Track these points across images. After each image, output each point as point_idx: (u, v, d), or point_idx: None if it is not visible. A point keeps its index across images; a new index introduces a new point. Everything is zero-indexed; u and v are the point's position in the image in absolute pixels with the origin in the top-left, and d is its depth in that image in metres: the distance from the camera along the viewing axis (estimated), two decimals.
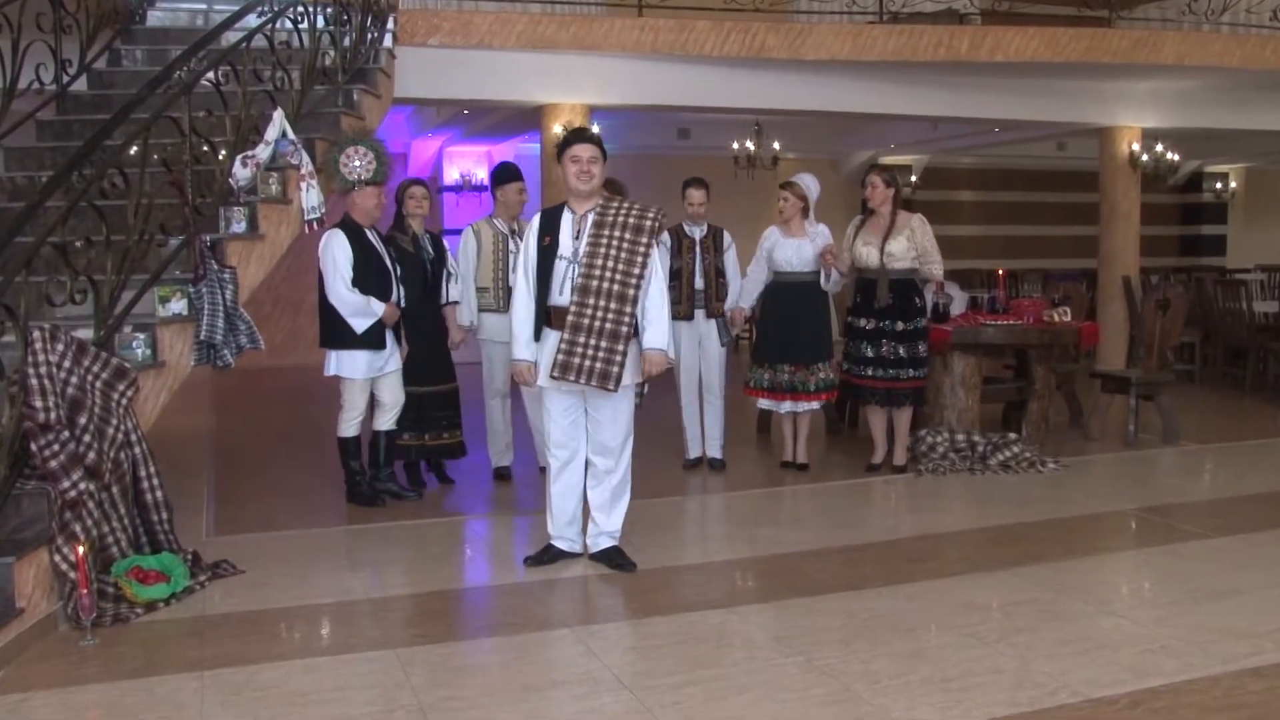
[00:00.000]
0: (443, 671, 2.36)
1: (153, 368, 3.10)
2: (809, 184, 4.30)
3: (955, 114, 7.02)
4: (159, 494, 2.97)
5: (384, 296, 3.71)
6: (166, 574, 2.82)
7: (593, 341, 2.89)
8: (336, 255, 3.62)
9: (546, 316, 3.00)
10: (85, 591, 2.50)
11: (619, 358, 2.89)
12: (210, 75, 3.46)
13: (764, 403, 4.41)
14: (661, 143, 8.78)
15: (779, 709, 2.15)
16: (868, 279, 4.22)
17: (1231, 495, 4.06)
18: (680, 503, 4.01)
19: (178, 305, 3.16)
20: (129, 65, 4.49)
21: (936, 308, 4.36)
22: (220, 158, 3.47)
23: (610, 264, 2.90)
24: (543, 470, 3.55)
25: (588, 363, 2.89)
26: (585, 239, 2.94)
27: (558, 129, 5.87)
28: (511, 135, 8.05)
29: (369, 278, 3.67)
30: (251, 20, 3.80)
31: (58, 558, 2.57)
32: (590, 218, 2.97)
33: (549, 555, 3.13)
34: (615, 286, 2.90)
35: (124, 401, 2.83)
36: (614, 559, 3.09)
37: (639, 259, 2.91)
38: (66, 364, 2.64)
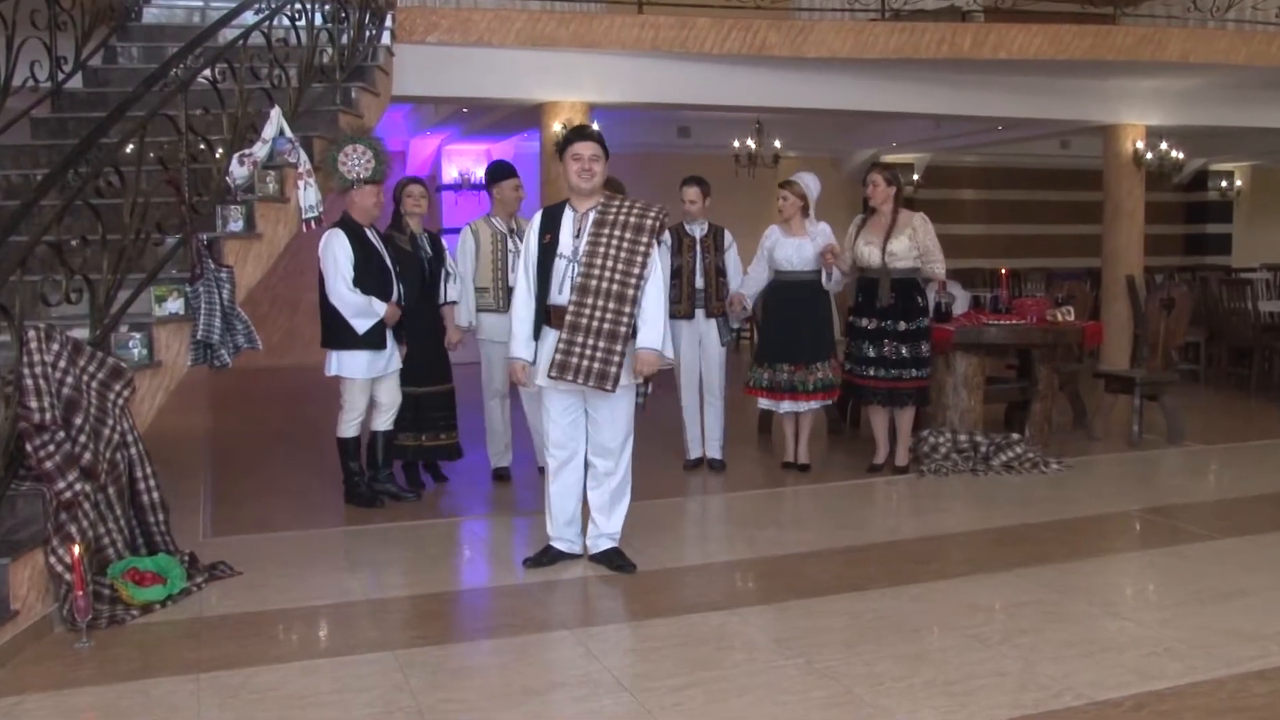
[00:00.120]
0: (442, 674, 2.35)
1: (149, 368, 3.09)
2: (808, 183, 4.27)
3: (958, 112, 6.99)
4: (155, 495, 2.96)
5: (385, 296, 3.70)
6: (163, 575, 2.80)
7: (591, 341, 2.87)
8: (337, 255, 3.61)
9: (546, 315, 2.98)
10: (81, 593, 2.49)
11: (617, 358, 2.88)
12: (207, 73, 3.45)
13: (763, 402, 4.39)
14: (662, 141, 8.76)
15: (780, 711, 2.14)
16: (869, 278, 4.20)
17: (1237, 496, 4.04)
18: (681, 504, 3.99)
19: (174, 305, 3.15)
20: (125, 62, 4.47)
21: (939, 307, 4.33)
22: (217, 156, 3.46)
23: (610, 263, 2.89)
24: (542, 471, 3.54)
25: (585, 363, 2.88)
26: (585, 238, 2.93)
27: (557, 127, 5.85)
28: (511, 133, 8.04)
29: (369, 277, 3.66)
30: (249, 17, 3.79)
31: (53, 559, 2.56)
32: (591, 216, 2.95)
33: (548, 556, 3.12)
34: (614, 286, 2.88)
35: (120, 402, 2.81)
36: (614, 560, 3.08)
37: (639, 259, 2.89)
38: (62, 364, 2.62)
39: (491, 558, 3.41)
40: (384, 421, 3.85)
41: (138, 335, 3.05)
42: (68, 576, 2.53)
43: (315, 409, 5.83)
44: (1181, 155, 8.40)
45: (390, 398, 3.81)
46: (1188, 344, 6.57)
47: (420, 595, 2.91)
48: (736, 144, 8.31)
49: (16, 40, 3.60)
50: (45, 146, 3.92)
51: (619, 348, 2.88)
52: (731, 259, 4.33)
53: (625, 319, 2.89)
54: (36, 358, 2.55)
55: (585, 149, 2.94)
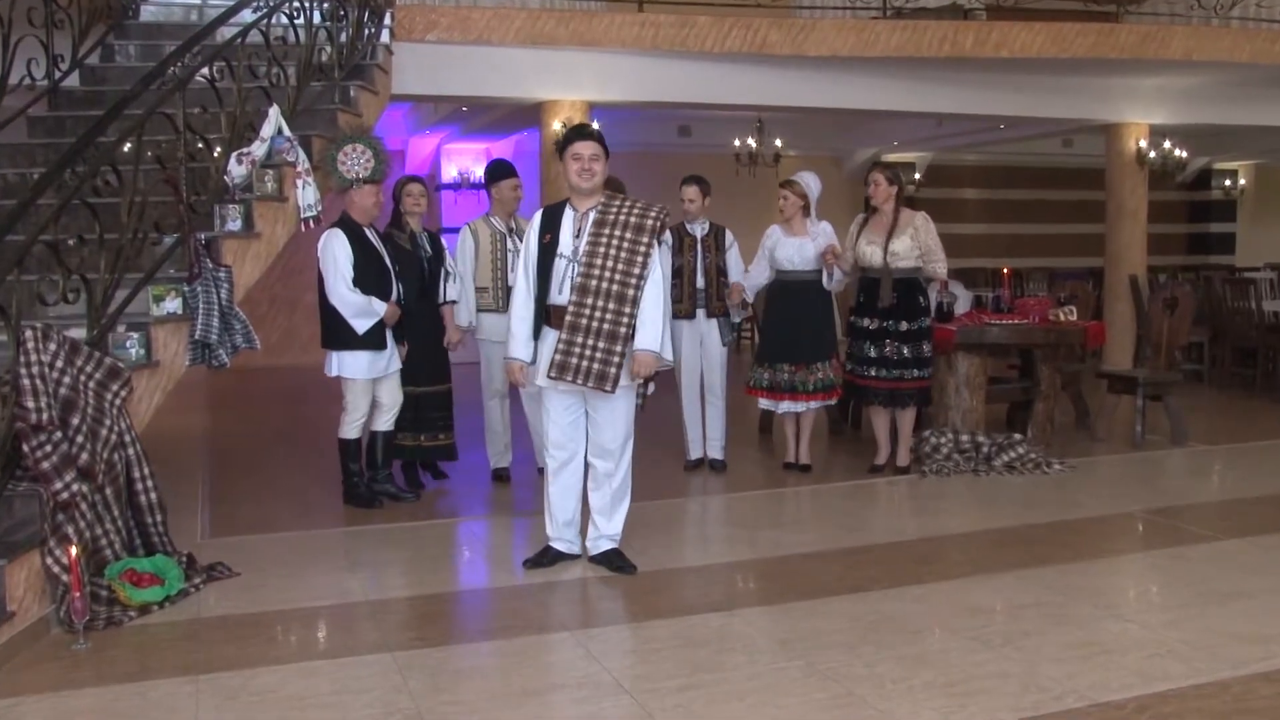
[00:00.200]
0: (441, 675, 2.34)
1: (147, 367, 3.07)
2: (809, 182, 4.25)
3: (960, 110, 6.97)
4: (153, 495, 2.95)
5: (384, 296, 3.68)
6: (161, 576, 2.79)
7: (590, 342, 2.86)
8: (337, 255, 3.59)
9: (546, 315, 2.97)
10: (78, 594, 2.48)
11: (617, 359, 2.86)
12: (205, 71, 3.43)
13: (763, 402, 4.38)
14: (662, 140, 8.75)
15: (781, 713, 2.13)
16: (871, 278, 4.18)
17: (1241, 497, 4.02)
18: (681, 504, 3.98)
19: (172, 304, 3.13)
20: (122, 61, 4.44)
21: (940, 307, 4.32)
22: (215, 155, 3.44)
23: (610, 264, 2.87)
24: (541, 471, 3.52)
25: (585, 363, 2.86)
26: (586, 238, 2.91)
27: (557, 126, 5.84)
28: (510, 132, 8.03)
29: (369, 277, 3.65)
30: (247, 15, 3.77)
31: (50, 560, 2.55)
32: (592, 216, 2.93)
33: (547, 557, 3.11)
34: (614, 287, 2.87)
35: (117, 402, 2.80)
36: (614, 561, 3.07)
37: (639, 259, 2.88)
38: (59, 364, 2.61)
39: (491, 559, 3.40)
40: (385, 422, 3.84)
41: (135, 335, 3.04)
42: (65, 578, 2.52)
43: (314, 409, 5.82)
44: (1185, 154, 8.37)
45: (392, 398, 3.80)
46: (1191, 344, 6.55)
47: (420, 596, 2.90)
48: (737, 143, 8.29)
49: (13, 38, 3.59)
50: (42, 145, 3.90)
51: (619, 348, 2.87)
52: (733, 258, 4.32)
53: (625, 319, 2.87)
54: (33, 358, 2.54)
55: (585, 148, 2.93)
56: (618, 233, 2.90)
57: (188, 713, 2.16)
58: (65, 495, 2.56)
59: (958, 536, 3.46)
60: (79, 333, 2.81)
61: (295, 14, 3.96)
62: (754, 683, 2.27)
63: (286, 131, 3.58)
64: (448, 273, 4.05)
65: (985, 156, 10.65)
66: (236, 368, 3.70)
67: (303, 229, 3.66)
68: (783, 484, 4.24)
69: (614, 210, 2.94)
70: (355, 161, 3.64)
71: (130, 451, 2.87)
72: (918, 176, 10.20)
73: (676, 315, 4.21)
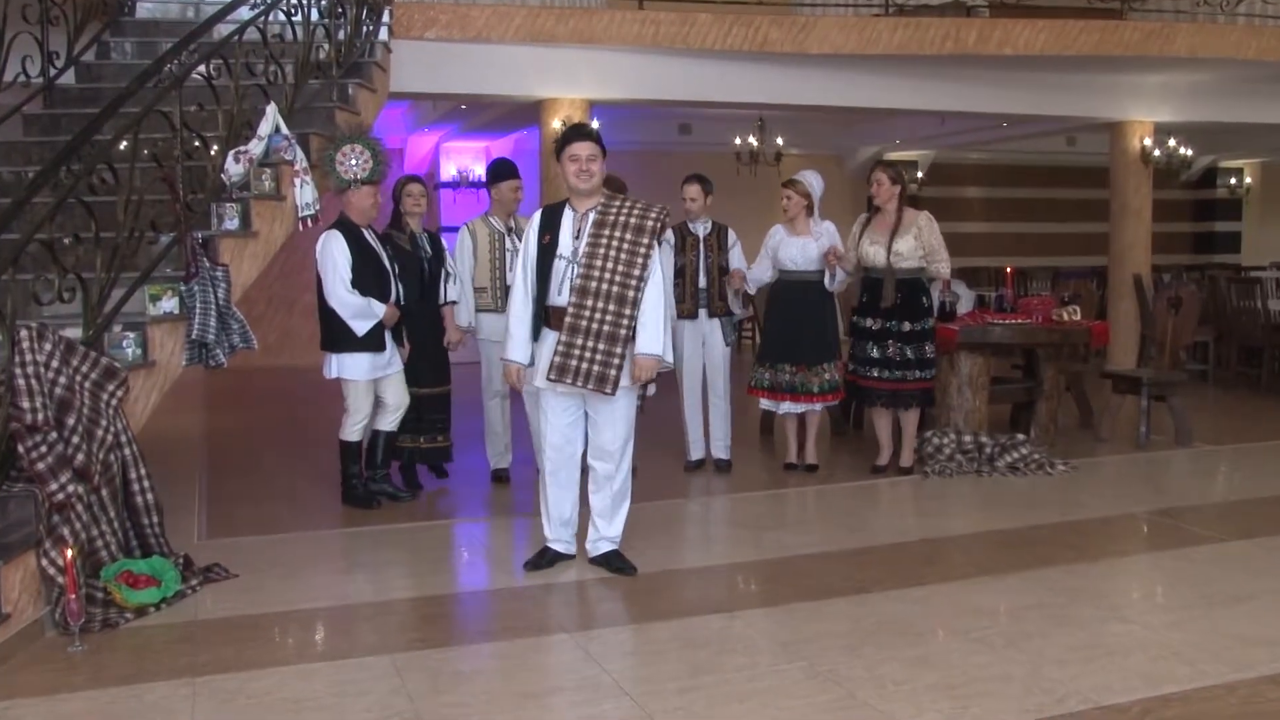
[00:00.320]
0: (441, 677, 2.32)
1: (143, 367, 3.06)
2: (812, 181, 4.23)
3: (962, 108, 6.95)
4: (149, 496, 2.93)
5: (383, 297, 3.66)
6: (157, 578, 2.77)
7: (590, 343, 2.84)
8: (335, 257, 3.58)
9: (545, 316, 2.95)
10: (73, 596, 2.46)
11: (617, 360, 2.84)
12: (202, 69, 3.41)
13: (764, 403, 4.35)
14: (662, 138, 8.73)
15: (782, 715, 2.12)
16: (874, 278, 4.16)
17: (1246, 498, 4.00)
18: (682, 505, 3.96)
19: (169, 304, 3.12)
20: (118, 58, 4.42)
21: (943, 306, 4.30)
22: (212, 153, 3.42)
23: (610, 265, 2.85)
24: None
25: (585, 365, 2.84)
26: (585, 238, 2.89)
27: (557, 124, 5.82)
28: (510, 130, 8.01)
29: (368, 278, 3.63)
30: (244, 13, 3.74)
31: (45, 562, 2.53)
32: (591, 217, 2.91)
33: (545, 558, 3.09)
34: (615, 288, 2.85)
35: (114, 402, 2.79)
36: (614, 563, 3.05)
37: (639, 260, 2.86)
38: (54, 364, 2.60)
39: (490, 560, 3.38)
40: (389, 422, 3.81)
41: (132, 335, 3.02)
42: (60, 579, 2.51)
43: (312, 409, 5.80)
44: (1190, 152, 8.33)
45: (397, 399, 3.78)
46: (1196, 343, 6.51)
47: (419, 598, 2.88)
48: (738, 141, 8.26)
49: (8, 35, 3.58)
50: (37, 143, 3.87)
51: (619, 350, 2.85)
52: (735, 258, 4.29)
53: (625, 321, 2.86)
54: (29, 357, 2.52)
55: (583, 149, 2.90)
56: (618, 233, 2.88)
57: (184, 716, 2.15)
58: (61, 496, 2.55)
59: (960, 538, 3.44)
60: (75, 332, 2.80)
61: (293, 11, 3.94)
62: (755, 685, 2.25)
63: (284, 130, 3.56)
64: (448, 273, 4.04)
65: (988, 155, 10.61)
66: (234, 368, 3.68)
67: (300, 228, 3.65)
68: (784, 485, 4.22)
69: (614, 211, 2.92)
70: (353, 162, 3.62)
71: (126, 452, 2.85)
72: (920, 175, 10.16)
73: (679, 315, 4.19)
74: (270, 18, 3.78)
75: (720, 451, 4.38)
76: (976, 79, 6.60)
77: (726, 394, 4.33)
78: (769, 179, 8.32)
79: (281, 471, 4.53)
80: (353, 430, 3.73)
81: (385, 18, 4.78)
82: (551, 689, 2.28)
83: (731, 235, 4.30)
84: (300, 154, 3.57)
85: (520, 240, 3.31)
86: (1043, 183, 11.04)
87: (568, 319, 2.86)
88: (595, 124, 5.17)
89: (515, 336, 2.98)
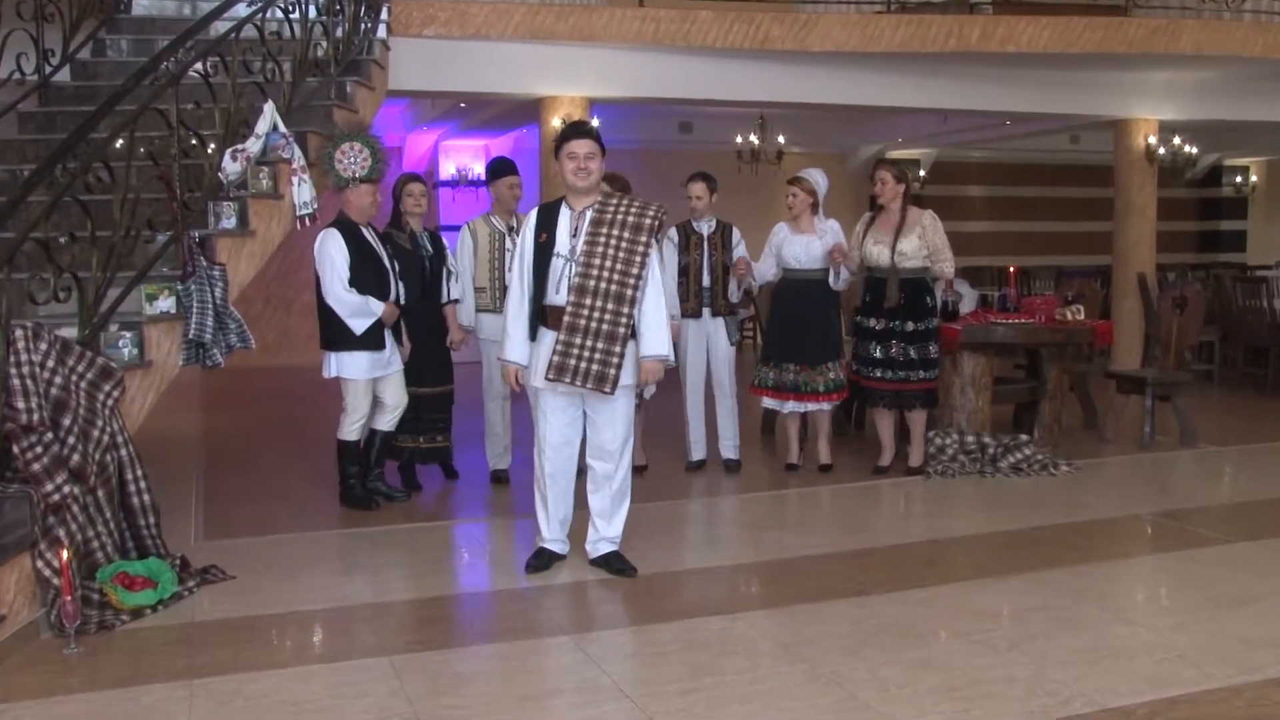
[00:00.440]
0: (440, 679, 2.31)
1: (140, 367, 3.04)
2: (818, 179, 4.21)
3: (965, 106, 6.92)
4: (146, 497, 2.91)
5: (382, 295, 3.65)
6: (153, 579, 2.76)
7: (589, 343, 2.82)
8: (333, 255, 3.56)
9: (542, 316, 2.93)
10: (69, 598, 2.44)
11: (616, 359, 2.83)
12: (198, 66, 3.39)
13: (768, 401, 4.33)
14: (663, 137, 8.70)
15: (783, 717, 2.11)
16: (877, 278, 4.14)
17: (1251, 499, 3.97)
18: (683, 506, 3.94)
19: (165, 303, 3.10)
20: (114, 55, 4.39)
21: (945, 306, 4.28)
22: (209, 151, 3.41)
23: (609, 263, 2.83)
24: None
25: (584, 364, 2.83)
26: (583, 237, 2.87)
27: (556, 122, 5.79)
28: (509, 129, 7.99)
29: (366, 277, 3.61)
30: (241, 9, 3.73)
31: (40, 563, 2.52)
32: (589, 215, 2.90)
33: (544, 560, 3.07)
34: (613, 287, 2.83)
35: (110, 402, 2.77)
36: (614, 564, 3.03)
37: (638, 258, 2.85)
38: (50, 364, 2.58)
39: (490, 561, 3.36)
40: (388, 422, 3.80)
41: (128, 334, 3.00)
42: (56, 581, 2.49)
43: (310, 409, 5.79)
44: (1195, 150, 8.29)
45: (396, 399, 3.76)
46: (1201, 343, 6.49)
47: (417, 599, 2.86)
48: (739, 140, 8.24)
49: (2, 32, 3.56)
50: (32, 141, 3.85)
51: (618, 349, 2.83)
52: (740, 256, 4.26)
53: (624, 320, 2.84)
54: (24, 357, 2.51)
55: (581, 147, 2.88)
56: (616, 232, 2.86)
57: (181, 718, 2.14)
58: (56, 497, 2.53)
59: (963, 539, 3.42)
60: (71, 332, 2.78)
61: (290, 8, 3.92)
62: (756, 687, 2.24)
63: (282, 128, 3.55)
64: (449, 272, 4.02)
65: (991, 153, 10.57)
66: (231, 368, 3.66)
67: (298, 227, 3.63)
68: (785, 485, 4.20)
69: (611, 209, 2.90)
70: (352, 160, 3.61)
71: (123, 453, 2.84)
72: (922, 173, 10.12)
73: (683, 314, 4.17)
74: (268, 15, 3.77)
75: (729, 451, 4.36)
76: (979, 76, 6.57)
77: (734, 393, 4.31)
78: (770, 178, 8.31)
79: (279, 472, 4.51)
80: (350, 429, 3.71)
81: (384, 15, 4.77)
82: (551, 691, 2.27)
83: (736, 233, 4.27)
84: (298, 152, 3.55)
85: None
86: (1046, 181, 11.00)
87: (566, 318, 2.84)
88: (595, 122, 5.16)
89: (513, 336, 2.95)
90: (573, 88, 5.94)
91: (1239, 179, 11.52)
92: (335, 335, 3.62)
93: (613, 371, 2.82)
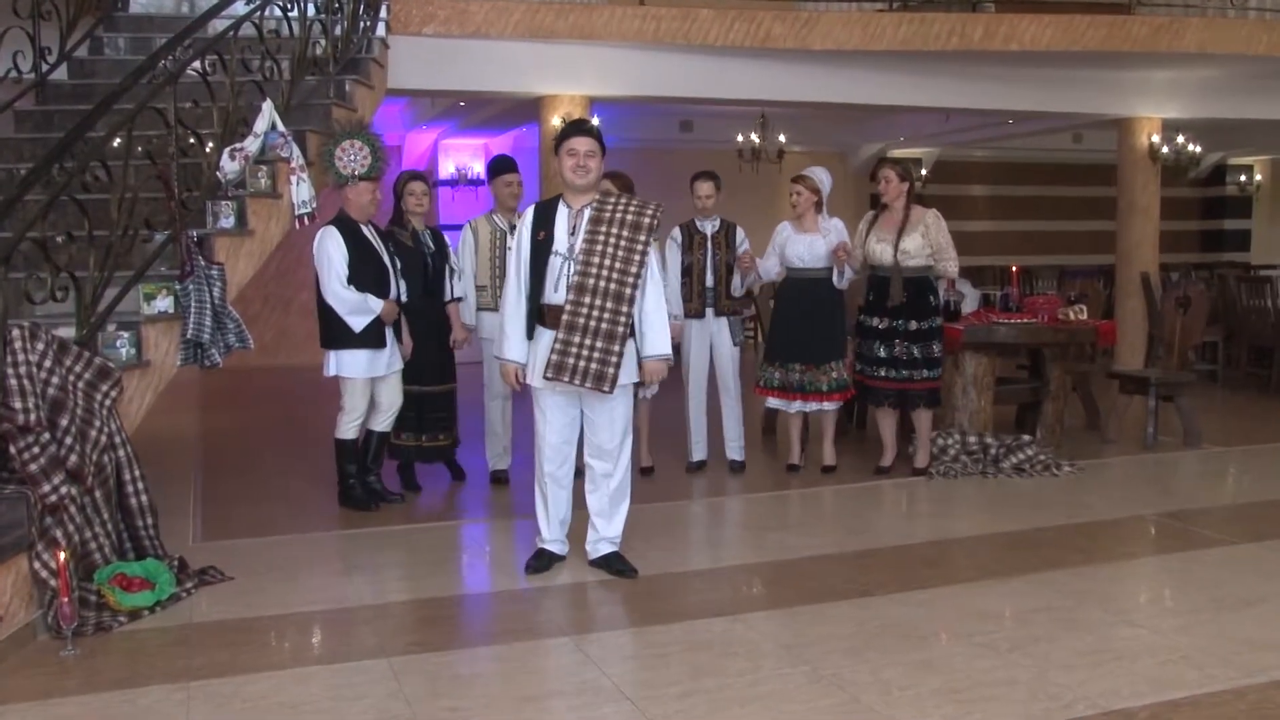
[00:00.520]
0: (439, 681, 2.30)
1: (137, 367, 3.03)
2: (822, 177, 4.19)
3: (967, 105, 6.90)
4: (144, 498, 2.90)
5: (382, 293, 3.63)
6: (151, 581, 2.75)
7: (588, 341, 2.81)
8: (331, 253, 3.55)
9: (540, 314, 2.91)
10: (66, 599, 2.43)
11: (615, 359, 2.81)
12: (196, 65, 3.38)
13: (774, 401, 4.29)
14: (663, 135, 8.68)
15: None
16: (881, 277, 4.12)
17: (1255, 500, 3.95)
18: (684, 506, 3.93)
19: (163, 303, 3.09)
20: (111, 54, 4.38)
21: (947, 305, 4.26)
22: (207, 150, 3.39)
23: (608, 262, 2.82)
24: None
25: (582, 363, 2.81)
26: (582, 235, 2.86)
27: (556, 121, 5.78)
28: (509, 127, 7.97)
29: (366, 274, 3.60)
30: (239, 7, 3.71)
31: (37, 564, 2.51)
32: (587, 213, 2.89)
33: (544, 561, 3.06)
34: (612, 285, 2.82)
35: (107, 402, 2.76)
36: (614, 565, 3.02)
37: (636, 257, 2.84)
38: (47, 364, 2.57)
39: (489, 562, 3.35)
40: (382, 423, 3.79)
41: (126, 334, 2.99)
42: (53, 582, 2.48)
43: (309, 409, 5.78)
44: (1199, 149, 8.26)
45: (390, 400, 3.75)
46: (1205, 343, 6.47)
47: (416, 601, 2.85)
48: (740, 139, 8.22)
49: None
50: (29, 140, 3.83)
51: (617, 348, 2.82)
52: (744, 250, 4.23)
53: (623, 319, 2.83)
54: (21, 357, 2.50)
55: (581, 144, 2.87)
56: (615, 230, 2.85)
57: None
58: (53, 498, 2.52)
59: (965, 540, 3.41)
60: (68, 332, 2.77)
61: (289, 6, 3.91)
62: (757, 689, 2.23)
63: (280, 127, 3.53)
64: (453, 270, 4.00)
65: (993, 152, 10.55)
66: (229, 368, 3.65)
67: (297, 226, 3.62)
68: (786, 486, 4.18)
69: (610, 208, 2.89)
70: (352, 158, 3.60)
71: (120, 453, 2.83)
72: (924, 172, 10.09)
73: (686, 314, 4.15)
74: (266, 13, 3.75)
75: (734, 452, 4.34)
76: (982, 75, 6.54)
77: (738, 394, 4.29)
78: (771, 176, 8.30)
79: (278, 473, 4.50)
80: (348, 428, 3.70)
81: (383, 13, 4.75)
82: (551, 693, 2.26)
83: (740, 233, 4.25)
84: (297, 151, 3.54)
85: None
86: (1049, 180, 10.97)
87: (565, 317, 2.82)
88: (596, 121, 5.14)
89: (510, 335, 2.94)
90: (573, 86, 5.93)
91: (1243, 178, 11.47)
92: (335, 333, 3.61)
93: (611, 371, 2.81)
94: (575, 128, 2.95)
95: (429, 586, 2.98)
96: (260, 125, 3.48)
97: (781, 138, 8.25)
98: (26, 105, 3.96)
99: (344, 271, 3.56)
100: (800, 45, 5.82)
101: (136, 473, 2.87)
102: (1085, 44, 6.02)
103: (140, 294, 3.08)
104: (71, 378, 2.66)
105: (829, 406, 4.19)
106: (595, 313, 2.81)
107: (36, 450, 2.49)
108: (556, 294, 2.87)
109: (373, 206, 3.69)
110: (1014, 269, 5.31)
